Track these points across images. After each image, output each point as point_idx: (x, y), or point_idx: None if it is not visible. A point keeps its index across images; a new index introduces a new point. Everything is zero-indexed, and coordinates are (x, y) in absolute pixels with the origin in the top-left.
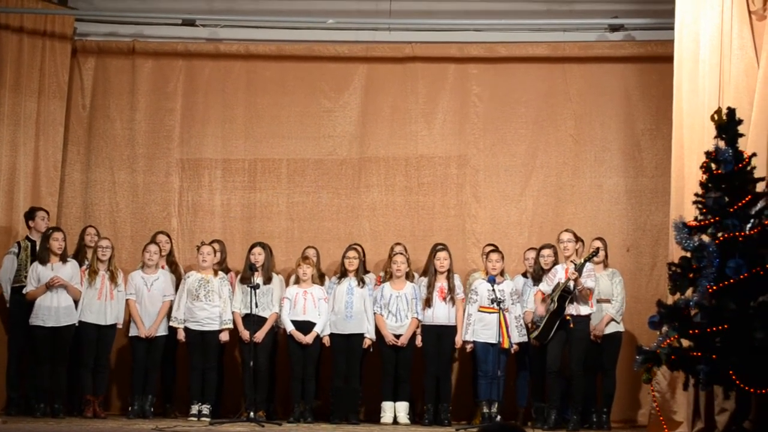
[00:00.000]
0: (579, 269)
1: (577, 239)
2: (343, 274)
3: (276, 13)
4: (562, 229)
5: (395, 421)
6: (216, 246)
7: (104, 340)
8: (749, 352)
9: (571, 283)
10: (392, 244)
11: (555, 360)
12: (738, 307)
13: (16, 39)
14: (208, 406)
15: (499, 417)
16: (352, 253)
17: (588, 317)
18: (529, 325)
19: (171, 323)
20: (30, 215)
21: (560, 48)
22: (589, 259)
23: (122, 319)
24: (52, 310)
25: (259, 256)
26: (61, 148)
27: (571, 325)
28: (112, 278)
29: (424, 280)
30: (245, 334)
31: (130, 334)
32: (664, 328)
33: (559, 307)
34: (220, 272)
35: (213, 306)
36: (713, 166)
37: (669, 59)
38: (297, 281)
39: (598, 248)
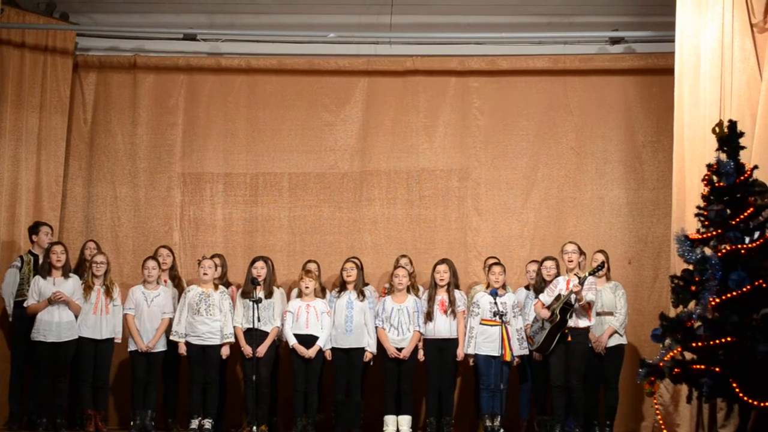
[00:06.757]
0: (582, 282)
1: (581, 252)
2: (342, 287)
3: (277, 27)
4: (564, 242)
5: None
6: (217, 260)
7: (102, 354)
8: (752, 364)
9: (573, 296)
10: (397, 256)
11: (559, 374)
12: (741, 320)
13: (17, 54)
14: (210, 421)
15: (501, 430)
16: (349, 266)
17: (587, 330)
18: (528, 338)
19: (171, 337)
20: (34, 230)
21: (561, 61)
22: (593, 273)
23: (120, 333)
24: (53, 325)
25: (261, 270)
26: (63, 162)
27: (569, 339)
28: (108, 293)
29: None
30: (247, 349)
31: (129, 349)
32: (667, 341)
33: (561, 320)
34: (220, 286)
35: (214, 320)
36: (715, 178)
37: (670, 72)
38: (299, 295)
39: (603, 262)
